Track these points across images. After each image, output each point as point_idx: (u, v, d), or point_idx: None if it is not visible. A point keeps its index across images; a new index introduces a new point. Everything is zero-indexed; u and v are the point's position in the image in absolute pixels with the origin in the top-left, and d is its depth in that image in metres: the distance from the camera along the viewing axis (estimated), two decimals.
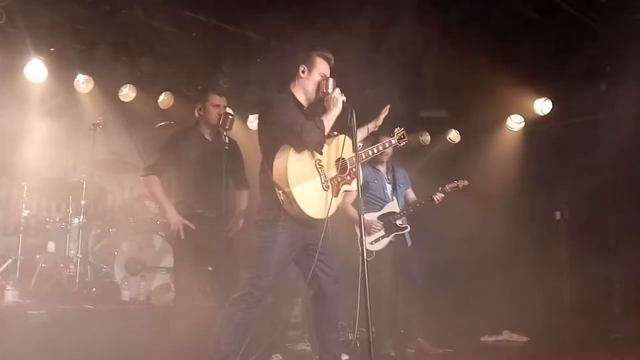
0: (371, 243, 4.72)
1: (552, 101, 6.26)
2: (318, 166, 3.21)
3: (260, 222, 3.23)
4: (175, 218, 3.97)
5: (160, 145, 4.29)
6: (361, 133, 3.55)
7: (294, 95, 3.35)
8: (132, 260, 5.42)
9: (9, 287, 4.55)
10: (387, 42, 5.12)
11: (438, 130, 7.13)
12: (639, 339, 5.11)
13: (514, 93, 6.24)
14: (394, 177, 5.08)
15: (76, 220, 5.45)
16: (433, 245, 5.80)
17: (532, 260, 6.11)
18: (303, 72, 3.34)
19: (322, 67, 3.36)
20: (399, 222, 4.87)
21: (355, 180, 3.30)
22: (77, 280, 5.10)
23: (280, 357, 4.40)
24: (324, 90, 3.29)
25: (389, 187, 5.01)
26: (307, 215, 3.11)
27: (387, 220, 4.84)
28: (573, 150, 6.04)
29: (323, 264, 3.25)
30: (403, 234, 4.93)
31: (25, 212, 5.35)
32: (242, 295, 3.15)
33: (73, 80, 5.88)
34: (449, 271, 6.31)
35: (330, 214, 3.20)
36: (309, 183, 3.15)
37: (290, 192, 3.06)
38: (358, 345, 4.58)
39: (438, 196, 4.85)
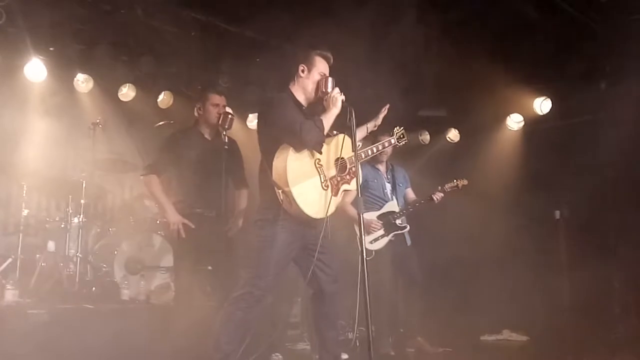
0: (371, 242, 4.72)
1: (551, 100, 6.26)
2: (317, 165, 3.21)
3: (259, 221, 3.23)
4: (174, 217, 3.97)
5: (159, 144, 4.29)
6: (360, 132, 3.55)
7: (294, 95, 3.35)
8: (132, 260, 5.43)
9: (8, 287, 4.55)
10: (386, 42, 5.11)
11: (437, 129, 7.13)
12: (638, 339, 5.11)
13: (514, 92, 6.24)
14: (393, 176, 5.08)
15: (76, 220, 5.46)
16: (433, 244, 5.80)
17: (531, 259, 6.11)
18: (302, 71, 3.34)
19: (321, 66, 3.36)
20: (398, 221, 4.87)
21: (354, 179, 3.30)
22: (77, 280, 5.11)
23: (280, 357, 4.40)
24: (323, 90, 3.29)
25: (388, 186, 5.01)
26: (307, 215, 3.11)
27: (387, 220, 4.84)
28: (573, 149, 6.04)
29: (322, 263, 3.25)
30: (402, 233, 4.93)
31: (25, 212, 5.35)
32: (241, 295, 3.15)
33: (73, 79, 5.89)
34: (449, 270, 6.31)
35: (329, 213, 3.20)
36: (308, 182, 3.15)
37: (290, 192, 3.06)
38: (357, 344, 4.59)
39: (437, 195, 4.85)
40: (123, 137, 6.45)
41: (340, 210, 3.73)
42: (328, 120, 3.22)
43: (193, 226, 3.96)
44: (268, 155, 3.19)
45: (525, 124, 6.65)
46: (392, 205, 4.93)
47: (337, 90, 3.28)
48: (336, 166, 3.30)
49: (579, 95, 5.83)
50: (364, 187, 4.63)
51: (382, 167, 5.06)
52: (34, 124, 5.73)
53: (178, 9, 5.33)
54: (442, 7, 4.93)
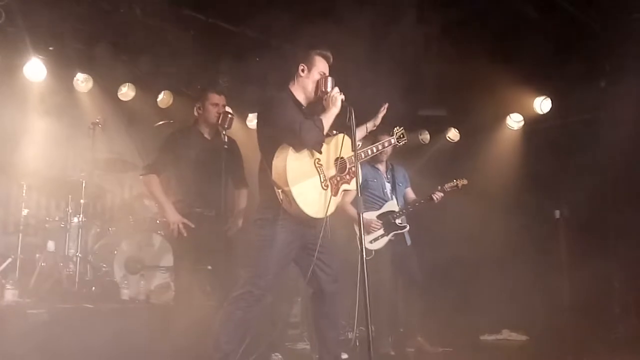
0: (370, 242, 4.72)
1: (551, 100, 6.26)
2: (317, 165, 3.21)
3: (259, 221, 3.23)
4: (174, 217, 3.97)
5: (159, 144, 4.28)
6: (360, 132, 3.55)
7: (293, 95, 3.35)
8: (131, 259, 5.42)
9: (8, 286, 4.55)
10: (386, 41, 5.11)
11: (437, 129, 7.13)
12: (638, 339, 5.11)
13: (514, 92, 6.24)
14: (393, 176, 5.08)
15: (76, 219, 5.45)
16: (432, 244, 5.80)
17: (531, 259, 6.11)
18: (302, 71, 3.34)
19: (321, 66, 3.36)
20: (398, 221, 4.87)
21: (354, 179, 3.30)
22: (76, 279, 5.10)
23: (280, 356, 4.40)
24: (323, 89, 3.29)
25: (388, 186, 5.01)
26: (306, 214, 3.11)
27: (387, 219, 4.84)
28: (573, 149, 6.04)
29: (322, 262, 3.25)
30: (402, 233, 4.93)
31: (25, 211, 5.35)
32: (241, 294, 3.15)
33: (72, 79, 5.88)
34: (449, 270, 6.31)
35: (329, 213, 3.20)
36: (308, 182, 3.15)
37: (290, 191, 3.06)
38: (357, 344, 4.60)
39: (437, 195, 4.85)
40: (123, 136, 6.45)
41: (340, 209, 3.73)
42: (328, 119, 3.22)
43: (193, 226, 3.96)
44: (268, 154, 3.19)
45: (525, 123, 6.65)
46: (392, 205, 4.92)
47: (336, 89, 3.28)
48: (336, 166, 3.30)
49: (579, 95, 5.83)
50: (363, 187, 4.63)
51: (381, 167, 5.05)
52: (33, 124, 5.73)
53: (177, 9, 5.33)
54: (442, 6, 4.93)
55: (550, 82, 6.09)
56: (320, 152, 3.23)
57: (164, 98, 6.27)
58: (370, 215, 4.80)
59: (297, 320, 5.44)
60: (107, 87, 6.06)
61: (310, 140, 3.13)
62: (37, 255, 5.22)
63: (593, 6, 5.23)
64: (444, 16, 4.96)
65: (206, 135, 4.19)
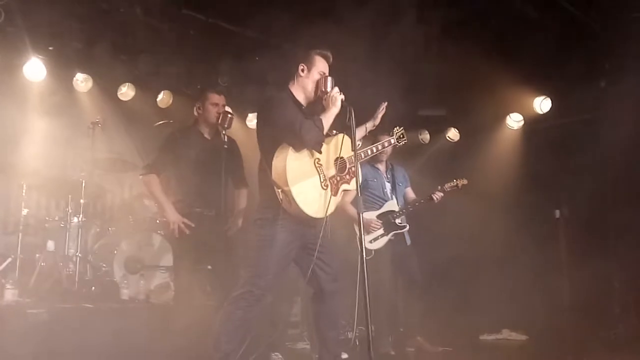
0: (370, 242, 4.72)
1: (551, 99, 6.26)
2: (317, 165, 3.21)
3: (259, 220, 3.23)
4: (174, 217, 3.97)
5: (159, 144, 4.28)
6: (359, 132, 3.54)
7: (293, 94, 3.35)
8: (131, 259, 5.42)
9: (8, 286, 4.55)
10: (386, 41, 5.11)
11: (437, 128, 7.13)
12: (638, 338, 5.11)
13: (514, 91, 6.24)
14: (393, 175, 5.08)
15: (75, 219, 5.45)
16: (432, 244, 5.80)
17: (531, 258, 6.11)
18: (302, 70, 3.34)
19: (321, 65, 3.36)
20: (398, 220, 4.87)
21: (354, 179, 3.30)
22: (76, 279, 5.10)
23: (280, 356, 4.40)
24: (323, 89, 3.29)
25: (388, 185, 5.01)
26: (306, 214, 3.11)
27: (387, 219, 4.84)
28: (572, 148, 6.04)
29: (322, 262, 3.25)
30: (402, 233, 4.93)
31: (25, 211, 5.35)
32: (241, 294, 3.15)
33: (72, 79, 5.88)
34: (448, 270, 6.31)
35: (329, 212, 3.20)
36: (308, 182, 3.15)
37: (289, 191, 3.06)
38: (357, 343, 4.59)
39: (437, 195, 4.85)
40: (122, 136, 6.44)
41: (339, 209, 3.73)
42: (328, 119, 3.22)
43: (193, 225, 3.96)
44: (267, 154, 3.19)
45: (525, 123, 6.65)
46: (392, 205, 4.92)
47: (336, 89, 3.27)
48: (336, 166, 3.30)
49: (579, 95, 5.83)
50: (363, 187, 4.63)
51: (381, 167, 5.05)
52: (33, 124, 5.72)
53: (177, 8, 5.33)
54: (442, 6, 4.93)
55: (550, 82, 6.09)
56: (320, 152, 3.22)
57: (163, 98, 6.27)
58: (370, 215, 4.79)
59: (297, 319, 5.44)
60: (106, 87, 6.06)
61: (310, 140, 3.13)
62: (37, 255, 5.22)
63: (593, 6, 5.24)
64: (444, 16, 4.97)
65: (206, 135, 4.18)
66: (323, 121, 3.19)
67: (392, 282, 4.89)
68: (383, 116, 3.67)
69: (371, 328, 2.99)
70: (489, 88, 6.05)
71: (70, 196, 5.47)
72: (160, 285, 5.40)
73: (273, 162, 3.13)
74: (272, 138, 3.20)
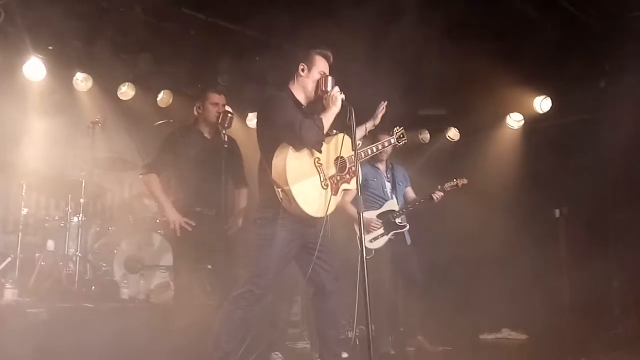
0: (370, 241, 4.72)
1: (551, 99, 6.25)
2: (317, 164, 3.21)
3: (259, 220, 3.23)
4: (174, 216, 3.97)
5: (159, 143, 4.28)
6: (359, 131, 3.55)
7: (293, 94, 3.35)
8: (131, 259, 5.43)
9: (8, 286, 4.55)
10: (386, 41, 5.11)
11: (437, 128, 7.12)
12: (638, 338, 5.11)
13: (514, 91, 6.23)
14: (393, 175, 5.08)
15: (75, 219, 5.45)
16: (432, 243, 5.80)
17: (531, 258, 6.10)
18: (302, 70, 3.34)
19: (321, 65, 3.36)
20: (398, 220, 4.87)
21: (354, 178, 3.30)
22: (76, 279, 5.10)
23: (280, 355, 4.40)
24: (323, 89, 3.29)
25: (388, 185, 5.01)
26: (306, 214, 3.11)
27: (387, 219, 4.84)
28: (572, 148, 6.04)
29: (323, 261, 3.25)
30: (402, 232, 4.93)
31: (25, 211, 5.35)
32: (241, 293, 3.15)
33: (72, 78, 5.88)
34: (448, 269, 6.31)
35: (329, 212, 3.20)
36: (308, 181, 3.15)
37: (289, 190, 3.06)
38: (357, 343, 4.59)
39: (437, 195, 4.85)
40: (122, 135, 6.44)
41: (339, 209, 3.73)
42: (328, 119, 3.22)
43: (193, 223, 3.96)
44: (267, 154, 3.19)
45: (525, 122, 6.65)
46: (392, 204, 4.93)
47: (337, 89, 3.27)
48: (336, 165, 3.30)
49: (578, 94, 5.83)
50: (363, 186, 4.62)
51: (381, 166, 5.05)
52: (33, 123, 5.72)
53: (177, 8, 5.32)
54: (442, 6, 4.92)
55: (550, 82, 6.09)
56: (320, 152, 3.23)
57: (163, 97, 6.27)
58: (370, 215, 4.80)
59: (297, 319, 5.45)
60: (106, 86, 6.05)
61: (310, 140, 3.13)
62: (37, 254, 5.22)
63: (593, 6, 5.23)
64: (444, 16, 4.96)
65: (206, 135, 4.18)
66: (323, 120, 3.19)
67: (392, 281, 4.89)
68: (383, 116, 3.67)
69: (371, 327, 2.99)
70: (489, 88, 6.05)
71: (70, 195, 5.47)
72: (160, 284, 5.40)
73: (273, 162, 3.13)
74: (272, 137, 3.20)
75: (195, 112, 4.23)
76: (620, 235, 5.72)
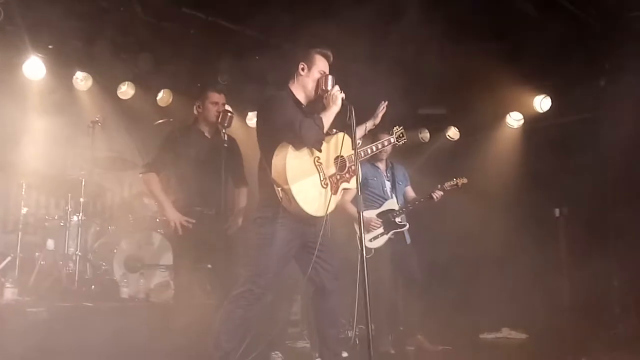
0: (370, 240, 4.72)
1: (551, 98, 6.25)
2: (317, 163, 3.21)
3: (259, 219, 3.23)
4: (174, 215, 3.97)
5: (159, 142, 4.28)
6: (359, 131, 3.55)
7: (293, 93, 3.35)
8: (131, 258, 5.43)
9: (8, 285, 4.55)
10: (386, 40, 5.11)
11: (437, 127, 7.13)
12: (638, 338, 5.12)
13: (514, 90, 6.24)
14: (393, 174, 5.08)
15: (75, 218, 5.45)
16: (432, 242, 5.80)
17: (531, 257, 6.11)
18: (302, 69, 3.34)
19: (321, 64, 3.36)
20: (398, 219, 4.87)
21: (354, 177, 3.30)
22: (76, 278, 5.10)
23: (280, 355, 4.40)
24: (323, 88, 3.29)
25: (388, 184, 5.01)
26: (306, 213, 3.11)
27: (386, 218, 4.84)
28: (572, 147, 6.04)
29: (323, 260, 3.25)
30: (402, 232, 4.93)
31: (24, 210, 5.35)
32: (241, 293, 3.15)
33: (71, 77, 5.87)
34: (448, 268, 6.31)
35: (329, 211, 3.20)
36: (307, 180, 3.15)
37: (289, 189, 3.06)
38: (357, 342, 4.59)
39: (437, 194, 4.85)
40: (122, 135, 6.44)
41: (339, 208, 3.73)
42: (328, 118, 3.22)
43: (194, 221, 3.96)
44: (267, 153, 3.19)
45: (525, 122, 6.65)
46: (392, 204, 4.92)
47: (337, 88, 3.27)
48: (335, 164, 3.30)
49: (578, 94, 5.84)
50: (363, 185, 4.63)
51: (381, 165, 5.05)
52: (32, 122, 5.72)
53: (177, 7, 5.32)
54: (442, 5, 4.92)
55: (550, 81, 6.09)
56: (320, 151, 3.22)
57: (163, 96, 6.26)
58: (370, 214, 4.80)
59: (297, 318, 5.45)
60: (106, 86, 6.05)
61: (310, 139, 3.13)
62: (37, 253, 5.22)
63: (593, 5, 5.24)
64: (443, 15, 4.96)
65: (206, 134, 4.18)
66: (323, 120, 3.19)
67: (392, 280, 4.89)
68: (383, 115, 3.67)
69: (371, 327, 2.99)
70: (489, 87, 6.05)
71: (70, 195, 5.46)
72: (160, 284, 5.40)
73: (273, 161, 3.13)
74: (272, 137, 3.19)
75: (195, 112, 4.23)
76: (620, 235, 5.72)
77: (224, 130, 4.01)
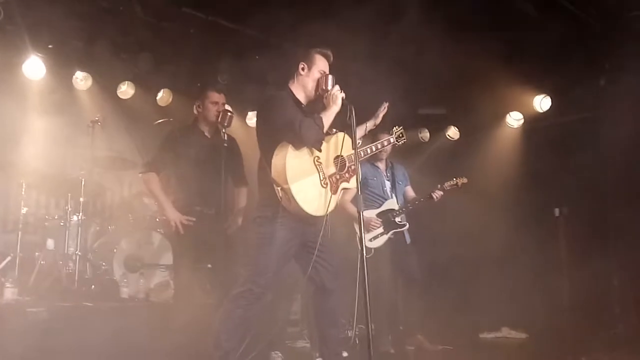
0: (370, 240, 4.72)
1: (551, 98, 6.25)
2: (317, 163, 3.21)
3: (258, 218, 3.23)
4: (173, 214, 3.98)
5: (159, 142, 4.28)
6: (359, 131, 3.55)
7: (293, 93, 3.35)
8: (131, 258, 5.43)
9: (8, 285, 4.55)
10: (386, 40, 5.11)
11: (437, 127, 7.12)
12: (638, 338, 5.12)
13: (514, 90, 6.23)
14: (393, 174, 5.08)
15: (75, 218, 5.45)
16: (432, 242, 5.80)
17: (531, 257, 6.11)
18: (302, 69, 3.34)
19: (321, 64, 3.36)
20: (397, 219, 4.87)
21: (353, 177, 3.31)
22: (76, 278, 5.10)
23: (280, 354, 4.40)
24: (324, 87, 3.29)
25: (387, 184, 5.01)
26: (306, 212, 3.11)
27: (386, 218, 4.84)
28: (572, 147, 6.03)
29: (323, 260, 3.25)
30: (402, 232, 4.93)
31: (24, 210, 5.35)
32: (241, 292, 3.15)
33: (71, 77, 5.87)
34: (448, 268, 6.31)
35: (329, 211, 3.20)
36: (307, 180, 3.15)
37: (289, 189, 3.06)
38: (357, 342, 4.59)
39: (437, 194, 4.85)
40: (122, 134, 6.44)
41: (339, 208, 3.73)
42: (328, 118, 3.22)
43: (194, 219, 3.96)
44: (267, 152, 3.19)
45: (525, 121, 6.64)
46: (392, 203, 4.92)
47: (337, 87, 3.27)
48: (335, 164, 3.30)
49: (578, 93, 5.83)
50: (363, 185, 4.62)
51: (381, 165, 5.05)
52: (32, 122, 5.72)
53: (177, 7, 5.32)
54: (442, 5, 4.92)
55: (550, 81, 6.09)
56: (320, 150, 3.22)
57: (163, 96, 6.26)
58: (370, 214, 4.79)
59: (296, 317, 5.44)
60: (106, 85, 6.05)
61: (309, 138, 3.13)
62: (37, 253, 5.22)
63: (593, 4, 5.23)
64: (443, 14, 4.96)
65: (206, 134, 4.19)
66: (323, 119, 3.19)
67: (392, 280, 4.89)
68: (383, 115, 3.67)
69: (371, 326, 2.99)
70: (488, 86, 6.05)
71: (69, 194, 5.47)
72: (160, 283, 5.40)
73: (272, 160, 3.13)
74: (271, 136, 3.19)
75: (195, 111, 4.23)
76: (620, 235, 5.72)
77: (223, 130, 4.01)
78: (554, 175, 6.08)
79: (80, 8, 5.07)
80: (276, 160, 3.12)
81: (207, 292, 4.21)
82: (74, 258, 5.24)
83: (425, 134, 7.12)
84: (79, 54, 5.57)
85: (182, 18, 5.42)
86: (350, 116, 3.19)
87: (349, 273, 3.20)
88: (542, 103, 6.32)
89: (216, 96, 4.18)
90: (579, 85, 5.77)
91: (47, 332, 4.02)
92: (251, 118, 6.53)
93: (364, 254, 3.01)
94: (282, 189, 3.09)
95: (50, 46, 5.45)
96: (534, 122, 6.54)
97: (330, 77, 3.31)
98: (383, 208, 4.88)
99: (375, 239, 4.76)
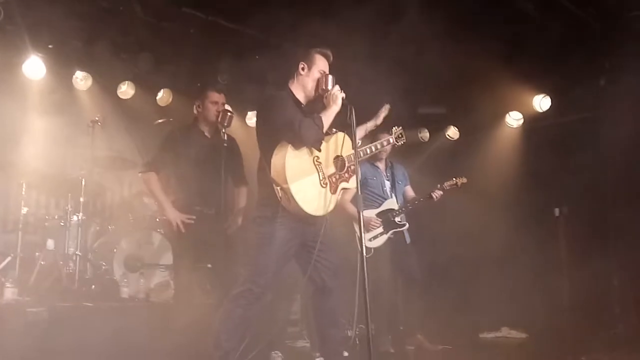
0: (370, 240, 4.72)
1: (551, 98, 6.25)
2: (316, 163, 3.21)
3: (258, 218, 3.23)
4: (173, 214, 3.98)
5: (159, 142, 4.28)
6: (360, 131, 3.55)
7: (293, 93, 3.35)
8: (131, 258, 5.43)
9: (8, 285, 4.55)
10: (386, 40, 5.11)
11: (437, 127, 7.12)
12: (638, 337, 5.12)
13: (513, 90, 6.23)
14: (392, 174, 5.08)
15: (75, 218, 5.45)
16: (432, 242, 5.80)
17: (531, 257, 6.11)
18: (302, 69, 3.34)
19: (321, 64, 3.36)
20: (397, 219, 4.87)
21: (353, 177, 3.31)
22: (76, 278, 5.10)
23: (280, 354, 4.40)
24: (324, 87, 3.29)
25: (387, 184, 5.01)
26: (305, 212, 3.11)
27: (386, 217, 4.84)
28: (572, 147, 6.03)
29: (323, 259, 3.25)
30: (402, 231, 4.93)
31: (24, 210, 5.35)
32: (241, 292, 3.15)
33: (71, 77, 5.87)
34: (448, 268, 6.31)
35: (329, 210, 3.20)
36: (307, 180, 3.15)
37: (289, 189, 3.06)
38: (357, 342, 4.59)
39: (437, 193, 4.85)
40: (122, 134, 6.44)
41: (339, 207, 3.73)
42: (328, 117, 3.22)
43: (194, 217, 3.96)
44: (267, 152, 3.19)
45: (524, 121, 6.64)
46: (391, 203, 4.92)
47: (337, 87, 3.27)
48: (335, 164, 3.30)
49: (578, 93, 5.83)
50: (363, 185, 4.63)
51: (381, 165, 5.06)
52: (32, 122, 5.72)
53: (177, 7, 5.32)
54: (442, 4, 4.92)
55: (549, 80, 6.08)
56: (320, 150, 3.23)
57: (163, 96, 6.27)
58: (370, 213, 4.79)
59: (296, 317, 5.45)
60: (106, 85, 6.05)
61: (309, 138, 3.13)
62: (37, 253, 5.22)
63: (593, 4, 5.24)
64: (443, 14, 4.96)
65: (206, 134, 4.19)
66: (323, 119, 3.19)
67: (392, 280, 4.89)
68: (384, 116, 3.67)
69: (371, 326, 2.99)
70: (488, 86, 6.05)
71: (70, 194, 5.47)
72: (160, 283, 5.40)
73: (272, 160, 3.13)
74: (271, 136, 3.20)
75: (195, 111, 4.23)
76: (620, 235, 5.71)
77: (223, 130, 4.01)
78: (554, 175, 6.07)
79: (80, 8, 5.07)
80: (275, 160, 3.13)
81: (207, 292, 4.21)
82: (74, 258, 5.25)
83: (425, 134, 7.12)
84: (79, 54, 5.57)
85: (182, 18, 5.43)
86: (350, 116, 3.19)
87: (348, 273, 3.20)
88: (541, 103, 6.32)
89: (216, 96, 4.18)
90: (579, 85, 5.77)
91: (47, 332, 4.03)
92: (251, 118, 6.53)
93: (364, 254, 3.01)
94: (281, 189, 3.10)
95: (50, 46, 5.45)
96: (533, 122, 6.54)
97: (330, 77, 3.31)
98: (383, 208, 4.89)
99: (375, 238, 4.76)
